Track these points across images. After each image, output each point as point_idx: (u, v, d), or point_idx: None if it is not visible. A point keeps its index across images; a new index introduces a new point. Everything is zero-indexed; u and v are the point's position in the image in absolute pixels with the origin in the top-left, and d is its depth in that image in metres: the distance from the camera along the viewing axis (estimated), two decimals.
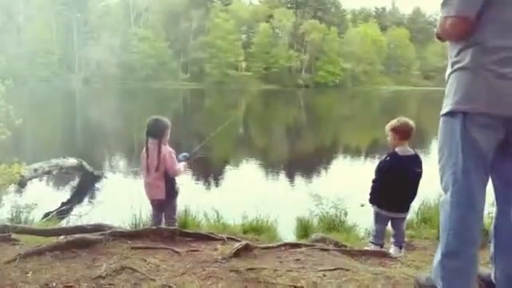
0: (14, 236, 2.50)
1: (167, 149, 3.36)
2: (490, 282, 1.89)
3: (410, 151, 3.10)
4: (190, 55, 57.95)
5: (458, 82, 1.75)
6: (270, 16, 61.51)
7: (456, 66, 1.76)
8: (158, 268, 1.94)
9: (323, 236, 3.27)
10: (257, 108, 29.96)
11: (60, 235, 2.40)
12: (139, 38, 54.67)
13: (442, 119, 1.84)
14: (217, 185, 8.06)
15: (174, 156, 3.39)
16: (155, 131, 3.36)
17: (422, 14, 78.03)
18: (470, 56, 1.70)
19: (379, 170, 3.16)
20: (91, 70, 51.62)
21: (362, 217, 4.20)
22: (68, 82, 48.01)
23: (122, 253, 2.06)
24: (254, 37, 60.41)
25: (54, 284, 1.78)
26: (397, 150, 3.09)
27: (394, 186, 3.06)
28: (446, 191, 1.78)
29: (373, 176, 3.23)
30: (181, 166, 3.46)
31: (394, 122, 3.14)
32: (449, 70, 1.81)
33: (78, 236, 2.21)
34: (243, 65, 57.35)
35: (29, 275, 1.94)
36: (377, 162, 3.29)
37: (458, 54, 1.75)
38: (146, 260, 2.03)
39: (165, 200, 3.43)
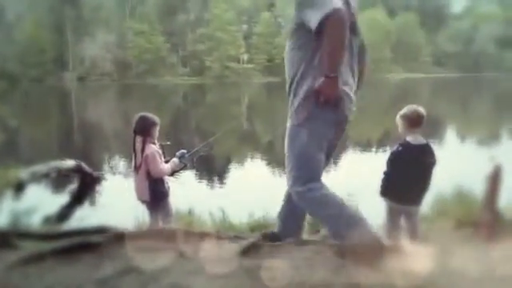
0: (14, 240, 2.53)
1: (151, 148, 3.42)
2: None
3: (422, 140, 3.10)
4: (188, 49, 57.91)
5: None
6: (272, 4, 61.29)
7: None
8: (164, 269, 1.97)
9: None
10: (261, 102, 29.93)
11: (62, 238, 2.43)
12: (135, 33, 54.66)
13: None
14: (221, 182, 8.09)
15: (158, 156, 3.44)
16: (140, 129, 3.44)
17: None
18: None
19: (391, 161, 3.17)
20: (86, 67, 51.74)
21: (374, 211, 4.21)
22: (62, 80, 48.18)
23: (126, 254, 2.09)
24: (255, 27, 60.20)
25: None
26: (408, 139, 3.10)
27: (407, 176, 3.07)
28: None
29: (384, 168, 3.24)
30: (166, 166, 3.50)
31: (403, 110, 3.16)
32: None
33: (80, 238, 2.24)
34: (245, 57, 57.28)
35: (31, 279, 1.97)
36: (388, 154, 3.29)
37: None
38: (151, 261, 2.05)
39: (150, 202, 3.49)
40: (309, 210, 2.66)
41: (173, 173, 3.65)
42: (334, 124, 2.50)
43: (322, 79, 2.31)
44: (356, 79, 2.59)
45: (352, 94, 2.52)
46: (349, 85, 2.48)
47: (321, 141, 2.48)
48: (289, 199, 2.73)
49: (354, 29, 2.45)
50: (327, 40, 2.23)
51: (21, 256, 2.11)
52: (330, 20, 2.17)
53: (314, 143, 2.45)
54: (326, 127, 2.46)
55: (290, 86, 2.52)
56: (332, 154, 2.72)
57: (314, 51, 2.37)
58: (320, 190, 2.46)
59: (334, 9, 2.14)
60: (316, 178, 2.48)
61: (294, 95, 2.48)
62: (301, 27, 2.41)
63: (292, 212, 2.76)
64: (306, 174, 2.47)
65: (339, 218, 2.42)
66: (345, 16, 2.17)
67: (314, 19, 2.24)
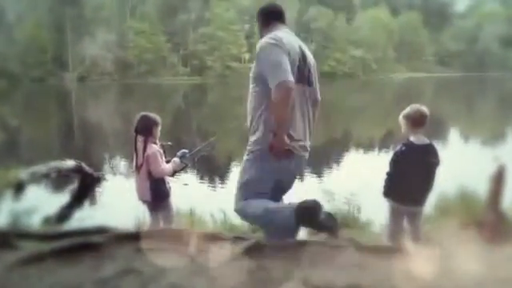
0: (13, 241, 2.54)
1: (152, 148, 3.42)
2: None
3: (425, 140, 3.10)
4: (189, 48, 57.91)
5: None
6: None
7: None
8: (164, 269, 1.97)
9: None
10: None
11: (62, 239, 2.44)
12: (135, 32, 54.70)
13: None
14: (222, 182, 8.09)
15: (159, 156, 3.45)
16: (142, 128, 3.45)
17: None
18: None
19: (395, 161, 3.16)
20: (86, 67, 51.80)
21: (378, 212, 4.21)
22: (63, 80, 48.26)
23: (127, 255, 2.10)
24: (256, 26, 60.07)
25: None
26: (411, 138, 3.10)
27: (411, 177, 3.06)
28: None
29: (387, 168, 3.24)
30: (167, 166, 3.51)
31: (407, 110, 3.16)
32: None
33: (80, 239, 2.24)
34: (247, 56, 57.25)
35: (31, 280, 1.98)
36: (391, 154, 3.29)
37: None
38: (152, 261, 2.06)
39: (151, 202, 3.49)
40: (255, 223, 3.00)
41: (174, 173, 3.65)
42: (284, 171, 2.76)
43: (271, 135, 2.61)
44: (310, 124, 2.86)
45: (305, 144, 2.80)
46: (301, 140, 2.75)
47: (269, 177, 2.74)
48: None
49: (309, 81, 2.77)
50: (275, 104, 2.53)
51: (20, 256, 2.12)
52: (279, 88, 2.48)
53: (262, 177, 2.74)
54: (275, 171, 2.73)
55: (251, 124, 2.81)
56: (287, 189, 2.97)
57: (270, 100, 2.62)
58: (252, 202, 2.75)
59: (283, 80, 2.47)
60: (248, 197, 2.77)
61: (252, 133, 2.80)
62: (259, 77, 2.68)
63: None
64: (246, 197, 2.77)
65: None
66: (292, 87, 2.49)
67: (270, 82, 2.54)
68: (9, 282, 1.87)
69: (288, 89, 2.47)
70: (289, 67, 2.52)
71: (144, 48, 53.56)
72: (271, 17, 2.91)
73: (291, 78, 2.49)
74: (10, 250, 2.43)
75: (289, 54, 2.58)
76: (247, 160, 2.81)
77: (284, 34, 2.71)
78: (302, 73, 2.69)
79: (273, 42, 2.60)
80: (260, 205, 2.71)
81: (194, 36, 58.03)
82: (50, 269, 2.06)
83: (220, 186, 7.90)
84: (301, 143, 2.75)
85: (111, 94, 37.51)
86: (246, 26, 61.50)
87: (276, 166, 2.70)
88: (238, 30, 57.83)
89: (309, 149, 2.87)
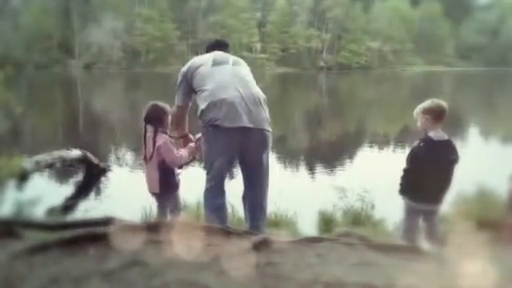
0: (18, 231, 2.56)
1: (163, 137, 3.41)
2: None
3: (444, 136, 3.08)
4: (199, 37, 57.83)
5: None
6: None
7: None
8: (171, 263, 1.98)
9: (348, 231, 3.28)
10: (273, 93, 29.84)
11: (67, 229, 2.46)
12: (144, 19, 54.73)
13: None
14: (231, 176, 8.09)
15: (171, 144, 3.43)
16: (152, 118, 3.44)
17: None
18: None
19: (412, 158, 3.14)
20: (93, 54, 51.99)
21: (392, 210, 4.20)
22: (68, 68, 48.53)
23: (133, 247, 2.11)
24: (269, 15, 59.87)
25: (64, 279, 1.83)
26: (430, 134, 3.07)
27: (429, 174, 3.04)
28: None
29: (404, 165, 3.22)
30: (182, 151, 3.49)
31: (425, 104, 3.13)
32: None
33: (86, 230, 2.26)
34: (258, 46, 57.06)
35: (36, 270, 1.99)
36: (407, 151, 3.27)
37: None
38: (159, 254, 2.07)
39: (159, 194, 3.49)
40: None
41: (181, 166, 3.66)
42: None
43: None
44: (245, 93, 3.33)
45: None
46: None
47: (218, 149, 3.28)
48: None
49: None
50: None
51: (25, 246, 2.14)
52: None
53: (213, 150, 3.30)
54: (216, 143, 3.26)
55: None
56: (256, 165, 3.68)
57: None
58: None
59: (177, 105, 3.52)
60: (212, 179, 3.45)
61: None
62: None
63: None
64: (207, 174, 3.42)
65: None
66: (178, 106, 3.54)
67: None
68: (13, 271, 1.90)
69: (177, 112, 3.56)
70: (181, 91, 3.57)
71: (152, 36, 53.62)
72: (213, 47, 3.88)
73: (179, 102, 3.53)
74: (15, 239, 2.46)
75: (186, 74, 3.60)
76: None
77: (205, 56, 3.68)
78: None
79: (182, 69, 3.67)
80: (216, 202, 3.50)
81: (203, 24, 57.89)
82: (55, 259, 2.08)
83: (228, 179, 7.91)
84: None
85: (118, 83, 37.68)
86: (258, 15, 61.24)
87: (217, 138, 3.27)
88: (249, 18, 57.58)
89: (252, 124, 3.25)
